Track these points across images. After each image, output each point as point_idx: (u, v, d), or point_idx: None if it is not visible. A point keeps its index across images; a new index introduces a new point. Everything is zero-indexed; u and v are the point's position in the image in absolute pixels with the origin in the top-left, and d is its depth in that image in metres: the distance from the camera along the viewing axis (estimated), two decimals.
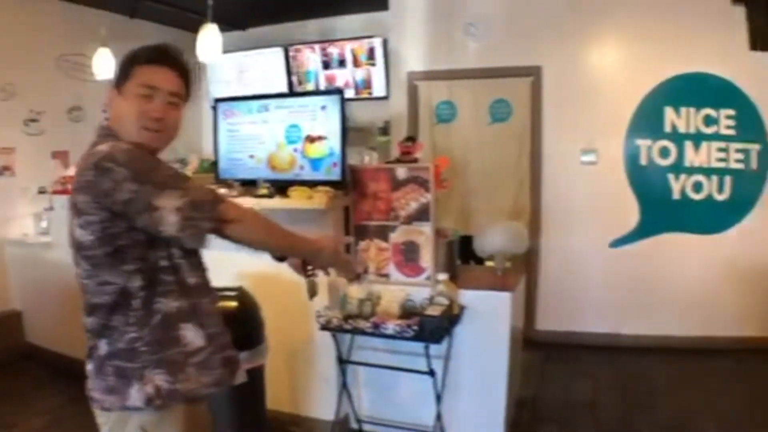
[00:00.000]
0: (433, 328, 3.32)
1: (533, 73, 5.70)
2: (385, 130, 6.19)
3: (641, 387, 4.85)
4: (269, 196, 3.64)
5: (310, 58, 6.45)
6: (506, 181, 5.95)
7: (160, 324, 1.87)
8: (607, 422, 4.28)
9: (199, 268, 2.02)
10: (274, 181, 3.74)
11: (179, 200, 1.75)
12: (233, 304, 3.27)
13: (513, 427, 3.92)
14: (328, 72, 6.34)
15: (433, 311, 3.37)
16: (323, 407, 3.91)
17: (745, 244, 5.50)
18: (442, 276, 3.57)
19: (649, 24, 5.47)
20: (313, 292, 2.29)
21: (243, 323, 3.26)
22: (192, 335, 1.92)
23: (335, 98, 3.73)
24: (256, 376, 3.34)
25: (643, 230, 5.66)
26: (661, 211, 5.61)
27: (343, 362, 3.73)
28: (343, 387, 3.79)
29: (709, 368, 5.21)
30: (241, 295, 3.39)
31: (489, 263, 4.39)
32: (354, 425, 3.98)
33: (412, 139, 4.08)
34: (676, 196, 5.56)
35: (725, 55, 5.40)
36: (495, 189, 5.97)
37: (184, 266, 1.93)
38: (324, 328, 3.53)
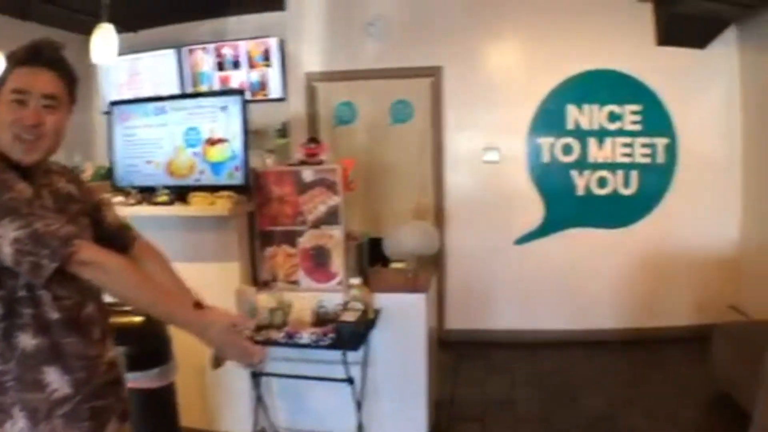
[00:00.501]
0: (350, 334, 3.23)
1: (434, 73, 5.69)
2: (282, 133, 6.04)
3: (559, 381, 4.91)
4: (168, 203, 3.45)
5: (204, 60, 6.24)
6: (409, 181, 5.92)
7: (21, 361, 1.67)
8: (528, 418, 4.29)
9: (70, 299, 1.76)
10: (173, 188, 3.54)
11: (18, 231, 1.56)
12: (137, 319, 3.05)
13: (434, 430, 3.87)
14: (223, 73, 6.14)
15: (349, 317, 3.28)
16: (239, 421, 3.76)
17: (654, 237, 5.68)
18: (355, 280, 3.49)
19: (551, 22, 5.57)
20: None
21: (149, 340, 3.08)
22: (57, 381, 1.71)
23: (236, 99, 3.58)
24: (167, 393, 3.17)
25: (548, 227, 5.73)
26: (565, 207, 5.71)
27: (256, 375, 3.58)
28: (258, 400, 3.64)
29: (624, 359, 5.35)
30: None
31: (395, 265, 4.34)
32: None
33: (316, 140, 3.97)
34: (580, 192, 5.67)
35: (631, 51, 5.56)
36: (398, 190, 5.93)
37: (46, 298, 1.70)
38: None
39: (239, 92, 3.86)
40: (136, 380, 2.96)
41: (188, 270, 3.39)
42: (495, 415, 4.33)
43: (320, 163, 3.75)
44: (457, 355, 5.30)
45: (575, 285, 5.74)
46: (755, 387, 3.76)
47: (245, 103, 3.58)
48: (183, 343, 3.21)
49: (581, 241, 5.71)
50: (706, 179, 5.65)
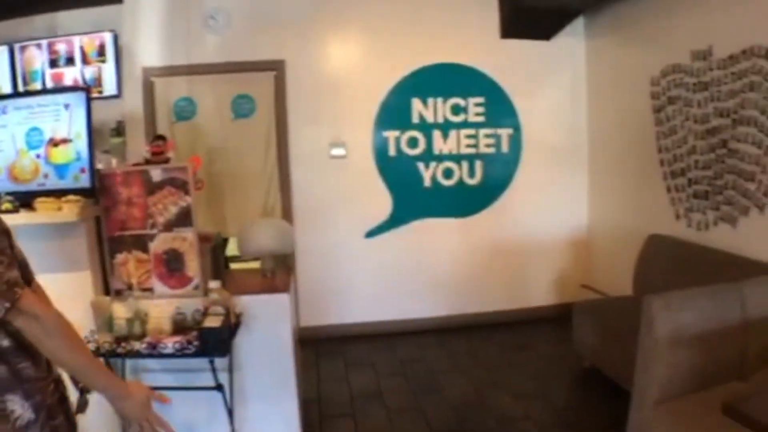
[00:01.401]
0: (215, 340, 3.08)
1: (276, 67, 5.61)
2: (118, 131, 5.71)
3: (422, 370, 5.01)
4: (14, 210, 3.13)
5: (37, 56, 5.76)
6: (255, 179, 5.80)
7: None
8: (398, 409, 4.35)
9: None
10: (16, 194, 3.22)
11: None
12: None
13: (307, 430, 3.81)
14: (55, 70, 5.70)
15: (212, 322, 3.13)
16: None
17: (503, 223, 5.97)
18: (214, 284, 3.32)
19: (395, 15, 5.66)
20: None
21: None
22: (20, 407, 1.68)
23: (80, 95, 3.30)
24: None
25: (397, 219, 5.84)
26: (413, 199, 5.84)
27: None
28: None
29: (485, 343, 5.55)
30: None
31: (245, 265, 4.23)
32: None
33: (162, 137, 3.77)
34: (427, 183, 5.82)
35: (475, 44, 5.76)
36: (243, 188, 5.79)
37: None
38: (94, 354, 3.11)
39: (83, 89, 3.59)
40: None
41: (40, 282, 3.15)
42: (365, 408, 4.36)
43: (167, 161, 3.57)
44: (315, 352, 5.28)
45: (427, 274, 5.90)
46: (618, 358, 4.03)
47: (90, 99, 3.33)
48: None
49: (431, 231, 5.86)
50: (552, 167, 6.00)
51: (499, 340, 5.59)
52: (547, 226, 6.05)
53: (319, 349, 5.37)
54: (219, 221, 5.64)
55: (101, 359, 1.90)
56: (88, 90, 3.44)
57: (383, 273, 5.87)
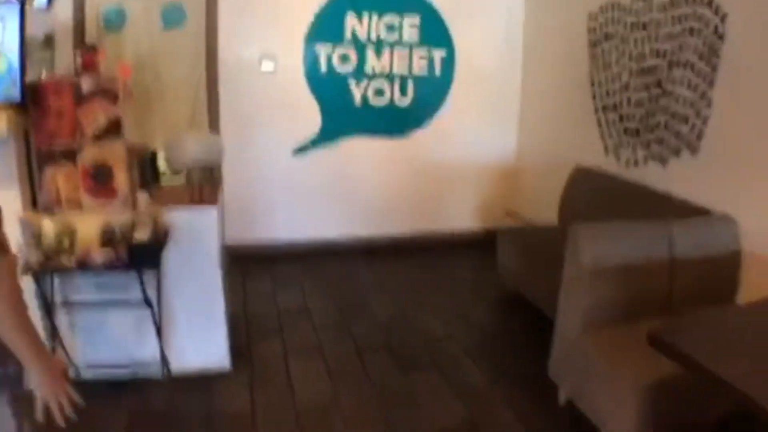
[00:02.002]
0: (145, 254, 3.07)
1: None
2: (47, 44, 5.43)
3: (348, 289, 5.11)
4: None
5: None
6: (182, 91, 5.62)
7: None
8: (325, 326, 4.45)
9: None
10: None
11: None
12: None
13: (234, 347, 3.86)
14: None
15: (141, 236, 3.10)
16: None
17: (432, 146, 5.99)
18: (143, 197, 3.28)
19: None
20: None
21: None
22: None
23: (13, 7, 3.14)
24: None
25: (326, 136, 5.79)
26: (342, 116, 5.78)
27: (51, 307, 3.30)
28: (54, 335, 3.35)
29: (410, 265, 5.67)
30: None
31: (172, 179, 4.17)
32: (71, 374, 3.57)
33: (93, 47, 3.61)
34: (357, 102, 5.76)
35: None
36: (171, 100, 5.61)
37: None
38: (24, 271, 3.03)
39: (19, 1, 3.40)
40: None
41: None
42: (292, 326, 4.43)
43: (98, 72, 3.44)
44: (241, 270, 5.26)
45: (355, 193, 5.93)
46: (541, 285, 4.17)
47: (24, 11, 3.16)
48: None
49: (360, 150, 5.86)
50: (484, 91, 6.03)
51: (425, 262, 5.72)
52: (476, 152, 6.12)
53: (245, 267, 5.36)
54: (146, 134, 5.48)
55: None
56: (23, 2, 3.26)
57: (311, 191, 5.86)
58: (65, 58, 4.96)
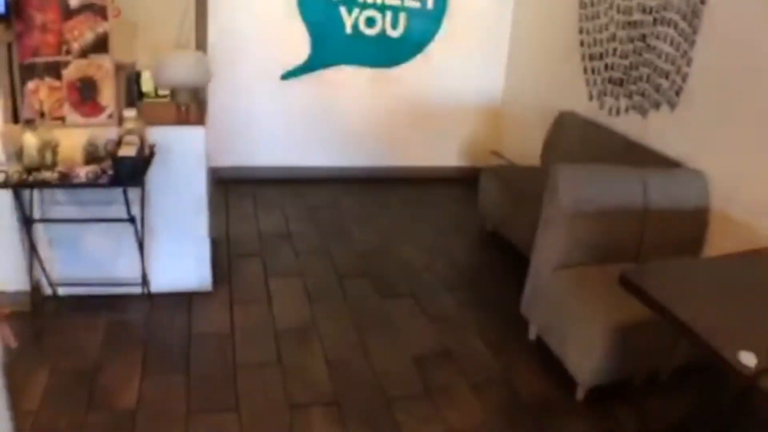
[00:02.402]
0: (130, 170, 3.05)
1: None
2: None
3: (330, 216, 5.15)
4: None
5: None
6: (169, 9, 5.52)
7: None
8: (305, 252, 4.50)
9: None
10: None
11: None
12: None
13: (215, 267, 3.90)
14: None
15: (127, 152, 3.07)
16: (12, 278, 3.43)
17: (420, 80, 5.93)
18: (129, 113, 3.23)
19: None
20: None
21: None
22: None
23: None
24: None
25: (314, 62, 5.71)
26: (332, 44, 5.69)
27: (29, 222, 3.29)
28: (33, 250, 3.36)
29: (392, 197, 5.70)
30: None
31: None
32: (47, 291, 3.61)
33: None
34: (348, 29, 5.67)
35: None
36: (156, 19, 5.48)
37: None
38: (3, 185, 3.00)
39: None
40: None
41: None
42: (273, 249, 4.48)
43: None
44: (223, 193, 5.28)
45: (341, 122, 5.89)
46: (521, 224, 4.25)
47: None
48: None
49: (347, 79, 5.79)
50: (474, 28, 5.94)
51: (407, 195, 5.75)
52: (463, 89, 6.08)
53: (227, 190, 5.37)
54: (131, 52, 5.39)
55: None
56: None
57: (297, 118, 5.81)
58: None
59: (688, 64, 3.77)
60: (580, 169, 3.44)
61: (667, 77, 3.96)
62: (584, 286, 3.17)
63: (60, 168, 3.04)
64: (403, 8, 5.66)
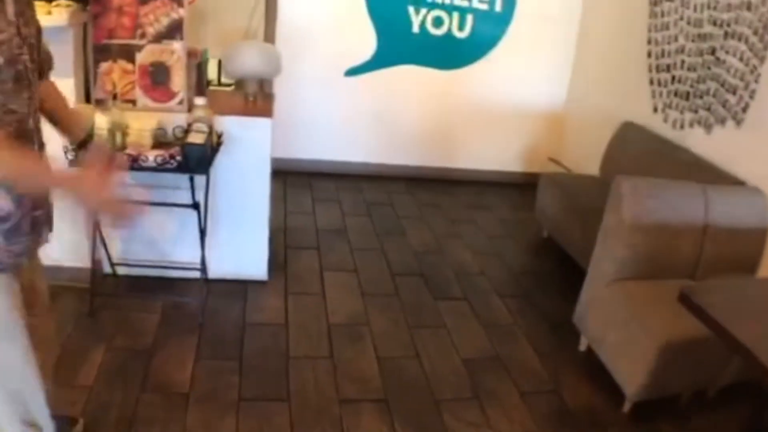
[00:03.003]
0: (199, 157, 3.07)
1: None
2: None
3: (388, 214, 5.14)
4: None
5: None
6: (240, 2, 5.57)
7: None
8: (361, 247, 4.50)
9: (17, 113, 1.65)
10: None
11: None
12: None
13: (273, 258, 3.93)
14: None
15: (196, 139, 3.09)
16: (73, 253, 3.48)
17: (484, 82, 5.87)
18: (200, 100, 3.24)
19: None
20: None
21: None
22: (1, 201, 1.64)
23: None
24: None
25: (379, 60, 5.70)
26: (398, 42, 5.67)
27: None
28: (96, 229, 3.38)
29: (448, 198, 5.65)
30: None
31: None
32: (107, 269, 3.66)
33: None
34: (415, 29, 5.65)
35: None
36: (226, 8, 5.56)
37: None
38: (73, 163, 2.97)
39: None
40: None
41: None
42: (330, 243, 4.49)
43: None
44: (282, 184, 5.30)
45: (401, 121, 5.87)
46: (576, 233, 4.25)
47: None
48: None
49: (411, 79, 5.76)
50: (541, 33, 5.86)
51: (464, 197, 5.70)
52: (526, 94, 6.00)
53: (286, 181, 5.39)
54: (200, 40, 5.45)
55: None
56: None
57: (358, 114, 5.81)
58: None
59: (757, 80, 3.68)
60: (643, 182, 3.37)
61: (734, 92, 3.86)
62: (639, 301, 3.13)
63: (129, 150, 3.07)
64: (471, 9, 5.61)
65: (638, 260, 3.24)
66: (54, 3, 3.02)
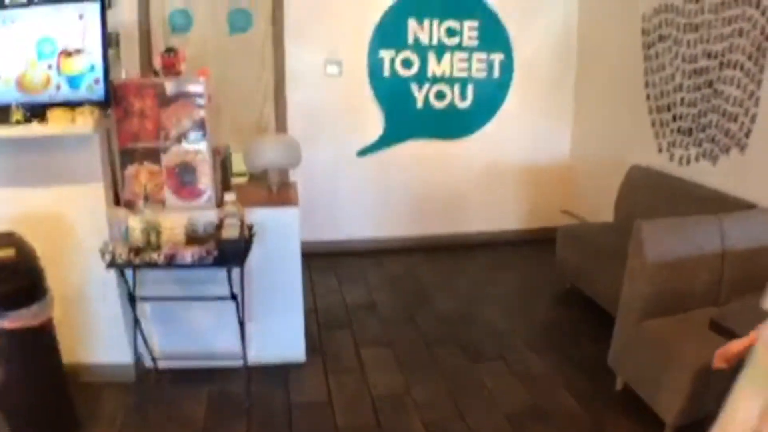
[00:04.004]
0: (235, 250, 3.15)
1: None
2: (110, 43, 5.55)
3: (413, 285, 5.17)
4: (25, 121, 3.08)
5: None
6: (250, 94, 5.74)
7: None
8: (392, 320, 4.53)
9: None
10: (27, 105, 3.13)
11: None
12: (9, 253, 2.76)
13: (309, 340, 3.96)
14: None
15: (230, 234, 3.18)
16: (118, 351, 3.54)
17: (490, 147, 6.02)
18: (229, 196, 3.33)
19: None
20: None
21: (23, 275, 2.81)
22: None
23: (95, 5, 3.20)
24: (47, 330, 2.94)
25: (389, 138, 5.85)
26: (405, 119, 5.83)
27: (134, 300, 3.38)
28: (136, 325, 3.44)
29: (470, 262, 5.71)
30: (17, 242, 2.85)
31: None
32: (149, 364, 3.71)
33: (173, 50, 3.66)
34: (419, 104, 5.81)
35: None
36: (238, 103, 5.71)
37: None
38: (111, 265, 3.12)
39: None
40: (13, 320, 2.76)
41: (51, 195, 3.11)
42: (361, 319, 4.52)
43: (178, 74, 3.54)
44: (307, 266, 5.32)
45: (415, 193, 5.99)
46: (599, 279, 4.35)
47: (105, 8, 3.21)
48: (50, 274, 3.01)
49: (420, 152, 5.90)
50: (540, 93, 6.04)
51: (483, 259, 5.76)
52: (532, 151, 6.13)
53: (309, 264, 5.41)
54: (216, 136, 5.60)
55: None
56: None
57: (372, 191, 5.93)
58: (130, 59, 5.14)
59: (756, 104, 3.77)
60: (661, 224, 3.49)
61: (735, 120, 3.95)
62: (669, 334, 3.21)
63: (165, 250, 3.14)
64: (470, 79, 5.78)
65: (664, 297, 3.33)
66: (77, 110, 3.12)
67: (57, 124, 3.11)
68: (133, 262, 3.12)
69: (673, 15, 4.54)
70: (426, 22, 5.64)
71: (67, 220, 3.36)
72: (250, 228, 3.45)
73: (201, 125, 3.45)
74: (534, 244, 5.96)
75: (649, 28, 4.85)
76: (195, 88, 3.42)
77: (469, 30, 5.71)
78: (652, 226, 3.36)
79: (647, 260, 3.26)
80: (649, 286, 3.31)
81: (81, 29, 3.23)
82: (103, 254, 3.11)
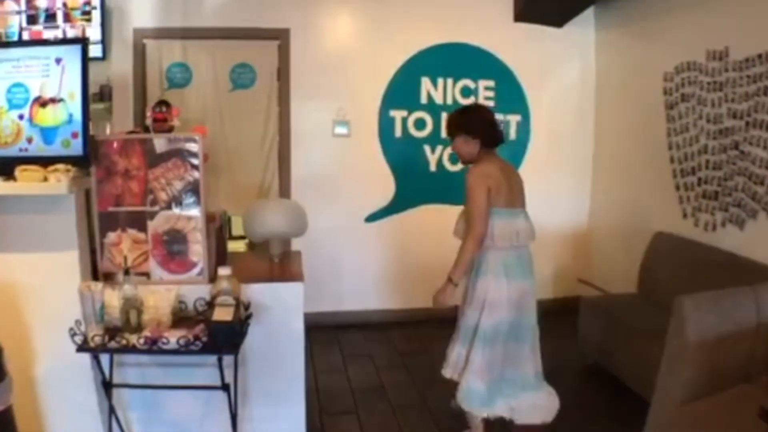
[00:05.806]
0: (227, 335, 2.58)
1: (280, 36, 5.04)
2: (101, 96, 5.09)
3: (421, 361, 4.60)
4: None
5: (13, 12, 5.02)
6: (252, 155, 5.27)
7: None
8: (402, 405, 3.96)
9: None
10: None
11: None
12: None
13: (310, 427, 3.34)
14: (34, 28, 4.98)
15: (223, 315, 2.59)
16: None
17: None
18: (224, 270, 2.75)
19: None
20: None
21: None
22: None
23: (75, 48, 2.69)
24: (5, 420, 2.32)
25: (399, 203, 5.41)
26: (417, 183, 5.40)
27: (109, 386, 2.81)
28: (111, 414, 2.86)
29: None
30: None
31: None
32: None
33: (166, 103, 3.13)
34: (432, 168, 5.38)
35: (488, 25, 5.32)
36: (240, 164, 5.25)
37: None
38: (82, 349, 2.54)
39: (80, 40, 2.94)
40: None
41: (18, 262, 2.57)
42: (368, 404, 3.94)
43: (170, 129, 3.02)
44: (306, 339, 4.77)
45: (424, 262, 5.39)
46: (625, 357, 4.06)
47: (86, 53, 2.72)
48: (13, 353, 2.42)
49: (433, 218, 5.38)
50: (557, 157, 5.64)
51: None
52: (548, 218, 5.60)
53: (310, 337, 4.85)
54: (212, 200, 5.11)
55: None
56: (85, 42, 2.82)
57: (380, 260, 5.42)
58: (123, 113, 4.75)
59: None
60: (703, 299, 3.07)
61: (762, 183, 3.67)
62: (712, 419, 2.80)
63: (147, 332, 2.58)
64: None
65: (703, 378, 2.95)
66: (50, 168, 2.58)
67: (26, 182, 2.56)
68: (107, 346, 2.54)
69: (696, 73, 4.25)
70: (440, 81, 5.26)
71: (36, 292, 2.76)
72: (247, 307, 2.86)
73: (195, 188, 2.91)
74: (551, 316, 5.31)
75: (671, 88, 4.53)
76: (189, 146, 2.90)
77: (485, 90, 5.33)
78: (695, 302, 2.96)
79: (689, 340, 2.90)
80: (689, 368, 2.93)
81: (58, 75, 2.72)
82: (73, 335, 2.53)
